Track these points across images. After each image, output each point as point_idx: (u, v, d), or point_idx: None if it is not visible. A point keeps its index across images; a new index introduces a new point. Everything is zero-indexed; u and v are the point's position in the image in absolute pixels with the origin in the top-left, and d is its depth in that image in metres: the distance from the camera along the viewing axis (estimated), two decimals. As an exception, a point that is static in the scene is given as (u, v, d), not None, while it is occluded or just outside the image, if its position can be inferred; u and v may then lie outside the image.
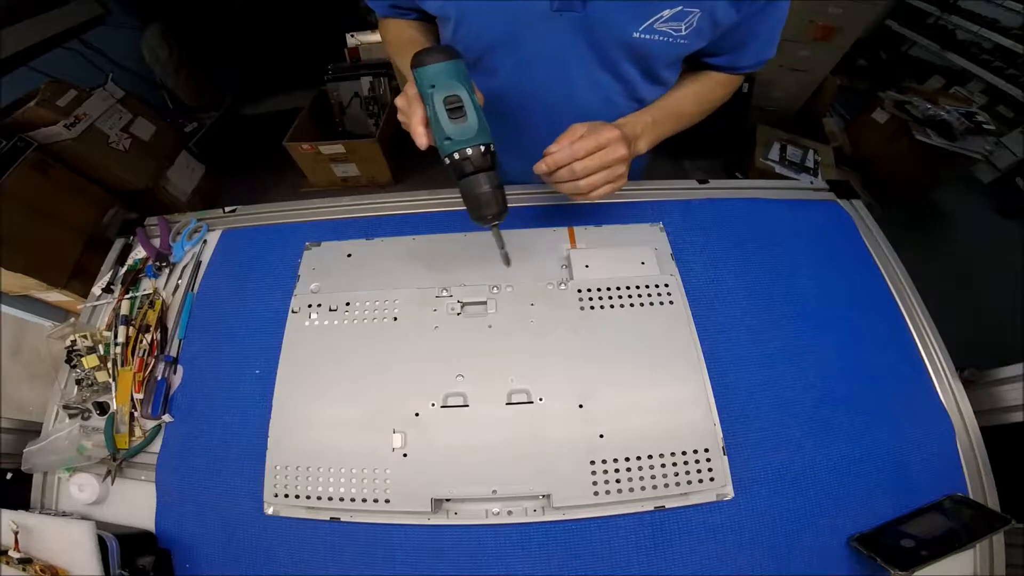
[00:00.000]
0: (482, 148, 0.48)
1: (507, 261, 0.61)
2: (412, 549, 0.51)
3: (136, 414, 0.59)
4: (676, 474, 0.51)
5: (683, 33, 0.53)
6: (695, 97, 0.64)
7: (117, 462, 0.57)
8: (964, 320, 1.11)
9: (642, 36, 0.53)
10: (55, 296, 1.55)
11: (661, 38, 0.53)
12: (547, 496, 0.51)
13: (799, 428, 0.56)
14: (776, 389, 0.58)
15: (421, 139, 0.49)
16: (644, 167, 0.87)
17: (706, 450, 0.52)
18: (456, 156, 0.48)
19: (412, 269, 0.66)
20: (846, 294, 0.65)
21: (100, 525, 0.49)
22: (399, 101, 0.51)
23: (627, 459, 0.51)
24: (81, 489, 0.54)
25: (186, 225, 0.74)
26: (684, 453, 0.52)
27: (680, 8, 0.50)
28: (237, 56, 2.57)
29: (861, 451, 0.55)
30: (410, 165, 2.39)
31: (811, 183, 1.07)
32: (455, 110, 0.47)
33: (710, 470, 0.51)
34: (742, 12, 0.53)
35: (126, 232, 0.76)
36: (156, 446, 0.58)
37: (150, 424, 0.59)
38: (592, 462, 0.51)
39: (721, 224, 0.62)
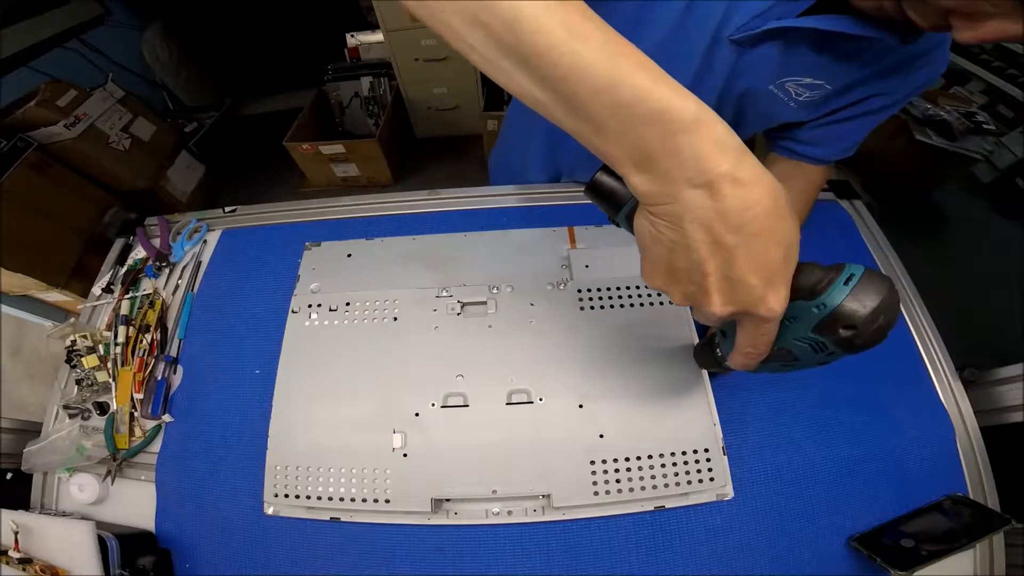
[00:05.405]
0: None
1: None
2: (412, 549, 0.51)
3: (136, 414, 0.59)
4: (676, 474, 0.51)
5: (802, 98, 0.50)
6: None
7: (117, 462, 0.57)
8: (964, 320, 1.10)
9: (770, 88, 0.50)
10: (55, 296, 1.55)
11: (781, 95, 0.51)
12: (547, 496, 0.51)
13: (799, 428, 0.56)
14: (776, 389, 0.58)
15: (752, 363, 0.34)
16: None
17: (706, 450, 0.52)
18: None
19: (412, 269, 0.66)
20: (846, 294, 0.65)
21: (100, 525, 0.49)
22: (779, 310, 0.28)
23: (627, 459, 0.51)
24: (81, 489, 0.54)
25: (186, 225, 0.74)
26: (684, 453, 0.52)
27: (822, 84, 0.49)
28: (237, 56, 2.57)
29: (861, 451, 0.54)
30: (410, 165, 2.39)
31: (811, 183, 1.07)
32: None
33: (710, 470, 0.51)
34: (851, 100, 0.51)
35: (126, 232, 0.76)
36: (156, 446, 0.58)
37: (150, 424, 0.59)
38: (592, 462, 0.51)
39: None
